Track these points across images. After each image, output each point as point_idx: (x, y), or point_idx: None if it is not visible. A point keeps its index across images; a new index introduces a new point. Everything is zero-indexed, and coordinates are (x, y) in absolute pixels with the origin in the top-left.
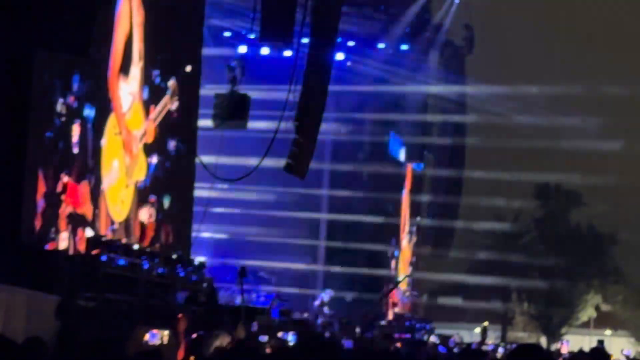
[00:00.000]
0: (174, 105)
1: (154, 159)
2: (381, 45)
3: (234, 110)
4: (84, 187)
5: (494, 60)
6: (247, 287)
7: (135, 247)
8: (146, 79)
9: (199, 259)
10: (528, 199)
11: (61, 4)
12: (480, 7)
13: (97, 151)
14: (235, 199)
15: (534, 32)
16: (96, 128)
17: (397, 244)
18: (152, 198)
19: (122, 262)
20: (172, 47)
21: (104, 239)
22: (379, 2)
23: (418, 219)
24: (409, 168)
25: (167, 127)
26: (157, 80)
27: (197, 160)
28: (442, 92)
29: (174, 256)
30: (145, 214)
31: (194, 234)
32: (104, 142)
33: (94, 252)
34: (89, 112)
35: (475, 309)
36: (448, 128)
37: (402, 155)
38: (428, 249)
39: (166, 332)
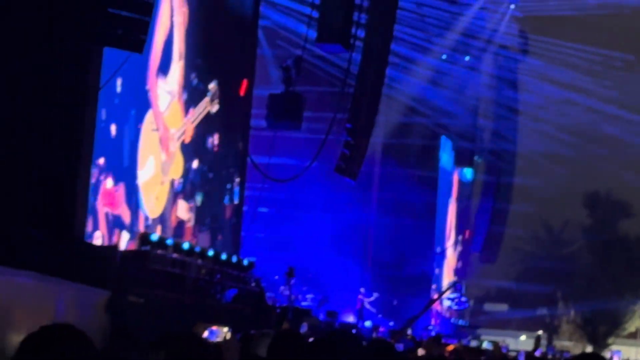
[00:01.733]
0: (214, 108)
1: (195, 164)
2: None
3: (287, 110)
4: (120, 188)
5: (546, 65)
6: (295, 287)
7: (186, 245)
8: (185, 80)
9: (248, 258)
10: (577, 207)
11: (117, 2)
12: (535, 12)
13: (133, 149)
14: (285, 199)
15: (588, 36)
16: (134, 126)
17: (442, 250)
18: (191, 203)
19: (171, 259)
20: (217, 48)
21: (154, 235)
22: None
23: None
24: (456, 175)
25: (207, 127)
26: (195, 82)
27: (248, 159)
28: (494, 97)
29: (223, 255)
30: (184, 214)
31: (243, 233)
32: (140, 137)
33: (144, 248)
34: (128, 111)
35: (520, 317)
36: (499, 134)
37: (451, 160)
38: (476, 255)
39: (226, 329)
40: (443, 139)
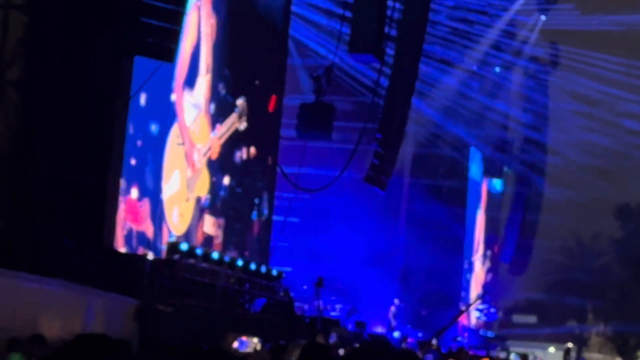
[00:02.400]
0: (242, 126)
1: (225, 180)
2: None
3: (318, 120)
4: (145, 203)
5: (577, 77)
6: (324, 297)
7: (215, 255)
8: (213, 92)
9: (277, 268)
10: (608, 219)
11: (148, 11)
12: (566, 24)
13: (158, 162)
14: (315, 209)
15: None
16: (159, 140)
17: (471, 262)
18: (220, 219)
19: (201, 268)
20: (246, 60)
21: (183, 245)
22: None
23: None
24: (485, 185)
25: (234, 143)
26: (223, 92)
27: (278, 169)
28: (524, 107)
29: (252, 265)
30: (211, 229)
31: (272, 243)
32: (166, 151)
33: (175, 257)
34: (153, 127)
35: (550, 329)
36: (529, 144)
37: (480, 171)
38: (505, 266)
39: (256, 340)
40: (472, 149)
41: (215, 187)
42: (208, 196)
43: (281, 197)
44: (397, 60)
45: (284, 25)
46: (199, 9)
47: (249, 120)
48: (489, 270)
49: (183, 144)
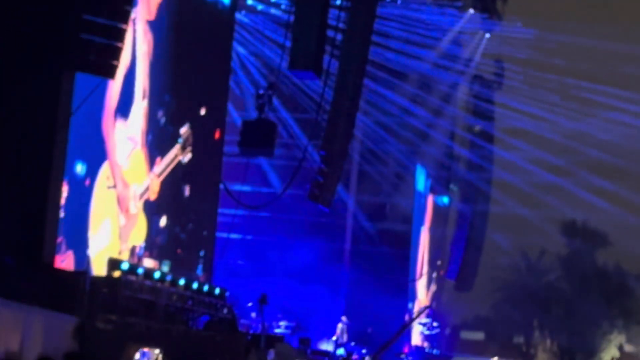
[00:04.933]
0: (186, 158)
1: (162, 221)
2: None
3: (260, 137)
4: (68, 257)
5: (523, 92)
6: (269, 314)
7: (157, 274)
8: (150, 121)
9: (219, 287)
10: (554, 236)
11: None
12: (511, 40)
13: (84, 210)
14: (258, 226)
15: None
16: (85, 183)
17: (414, 279)
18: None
19: (142, 285)
20: (188, 80)
21: (124, 264)
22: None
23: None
24: (430, 201)
25: (176, 179)
26: (163, 121)
27: (221, 186)
28: (469, 124)
29: (195, 284)
30: None
31: (216, 260)
32: (93, 196)
33: (115, 274)
34: (79, 167)
35: (497, 344)
36: (475, 161)
37: (427, 188)
38: (451, 283)
39: (157, 351)
40: (418, 167)
41: (153, 231)
42: (144, 244)
43: (224, 214)
44: (339, 77)
45: (228, 41)
46: (133, 23)
47: (193, 152)
48: (434, 285)
49: (114, 186)
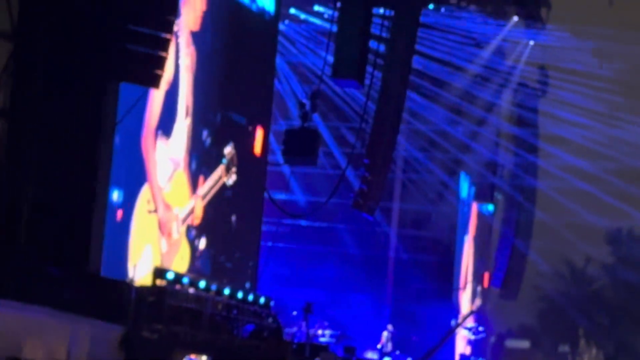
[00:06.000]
0: (231, 180)
1: (201, 244)
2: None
3: (304, 146)
4: None
5: (566, 102)
6: (313, 323)
7: (202, 283)
8: (194, 141)
9: (264, 296)
10: (599, 244)
11: (134, 38)
12: (555, 48)
13: (123, 236)
14: (302, 234)
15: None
16: (125, 211)
17: (458, 287)
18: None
19: (188, 294)
20: (234, 95)
21: (169, 274)
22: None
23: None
24: (474, 209)
25: (221, 203)
26: (208, 142)
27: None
28: (513, 132)
29: (240, 293)
30: None
31: (260, 269)
32: (133, 221)
33: (160, 283)
34: (115, 194)
35: (542, 353)
36: (518, 169)
37: (471, 196)
38: (496, 291)
39: (204, 358)
40: (462, 175)
41: (195, 259)
42: (186, 272)
43: (268, 223)
44: (383, 86)
45: (273, 51)
46: (175, 35)
47: (238, 172)
48: (480, 294)
49: (155, 210)
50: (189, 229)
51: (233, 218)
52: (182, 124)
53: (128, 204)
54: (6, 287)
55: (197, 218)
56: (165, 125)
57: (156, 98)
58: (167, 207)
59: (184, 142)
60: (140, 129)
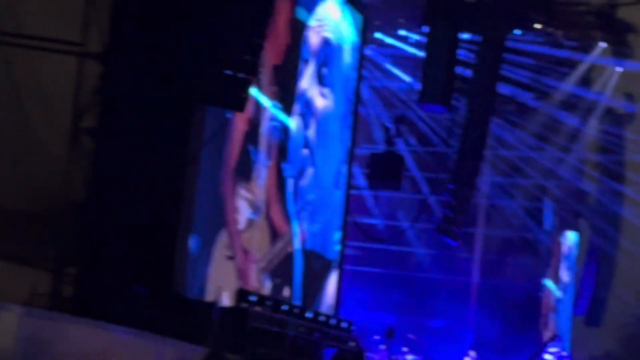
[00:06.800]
0: None
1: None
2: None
3: (388, 170)
4: None
5: None
6: (395, 348)
7: (284, 306)
8: (279, 185)
9: (346, 320)
10: None
11: (223, 60)
12: None
13: (198, 282)
14: (384, 258)
15: None
16: (200, 256)
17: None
18: None
19: (270, 316)
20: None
21: (253, 295)
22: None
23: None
24: (558, 239)
25: None
26: (291, 183)
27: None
28: (599, 159)
29: (322, 317)
30: None
31: (343, 293)
32: (210, 267)
33: (243, 305)
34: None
35: None
36: (603, 197)
37: (554, 223)
38: (580, 319)
39: None
40: (547, 202)
41: None
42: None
43: (351, 247)
44: (469, 111)
45: (358, 79)
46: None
47: None
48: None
49: (234, 257)
50: (267, 273)
51: None
52: (265, 166)
53: (205, 252)
54: (92, 307)
55: (274, 264)
56: (245, 167)
57: (235, 137)
58: (246, 252)
59: (266, 187)
60: (219, 170)
